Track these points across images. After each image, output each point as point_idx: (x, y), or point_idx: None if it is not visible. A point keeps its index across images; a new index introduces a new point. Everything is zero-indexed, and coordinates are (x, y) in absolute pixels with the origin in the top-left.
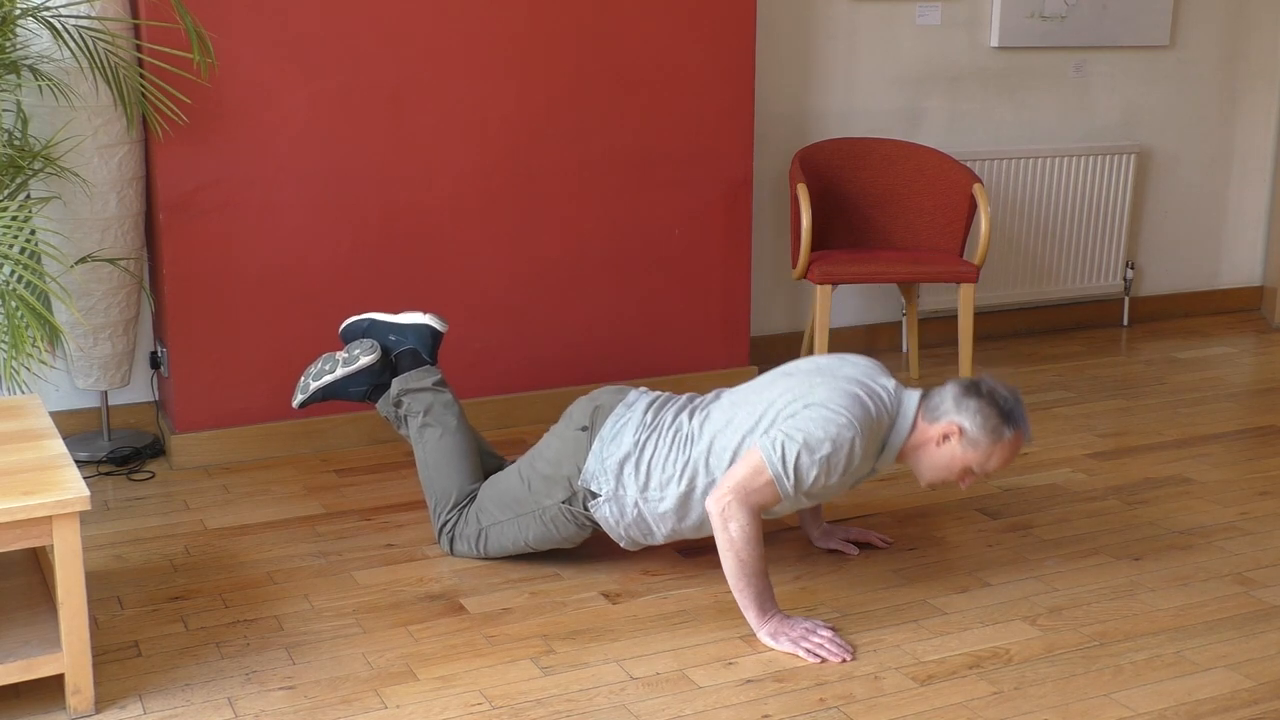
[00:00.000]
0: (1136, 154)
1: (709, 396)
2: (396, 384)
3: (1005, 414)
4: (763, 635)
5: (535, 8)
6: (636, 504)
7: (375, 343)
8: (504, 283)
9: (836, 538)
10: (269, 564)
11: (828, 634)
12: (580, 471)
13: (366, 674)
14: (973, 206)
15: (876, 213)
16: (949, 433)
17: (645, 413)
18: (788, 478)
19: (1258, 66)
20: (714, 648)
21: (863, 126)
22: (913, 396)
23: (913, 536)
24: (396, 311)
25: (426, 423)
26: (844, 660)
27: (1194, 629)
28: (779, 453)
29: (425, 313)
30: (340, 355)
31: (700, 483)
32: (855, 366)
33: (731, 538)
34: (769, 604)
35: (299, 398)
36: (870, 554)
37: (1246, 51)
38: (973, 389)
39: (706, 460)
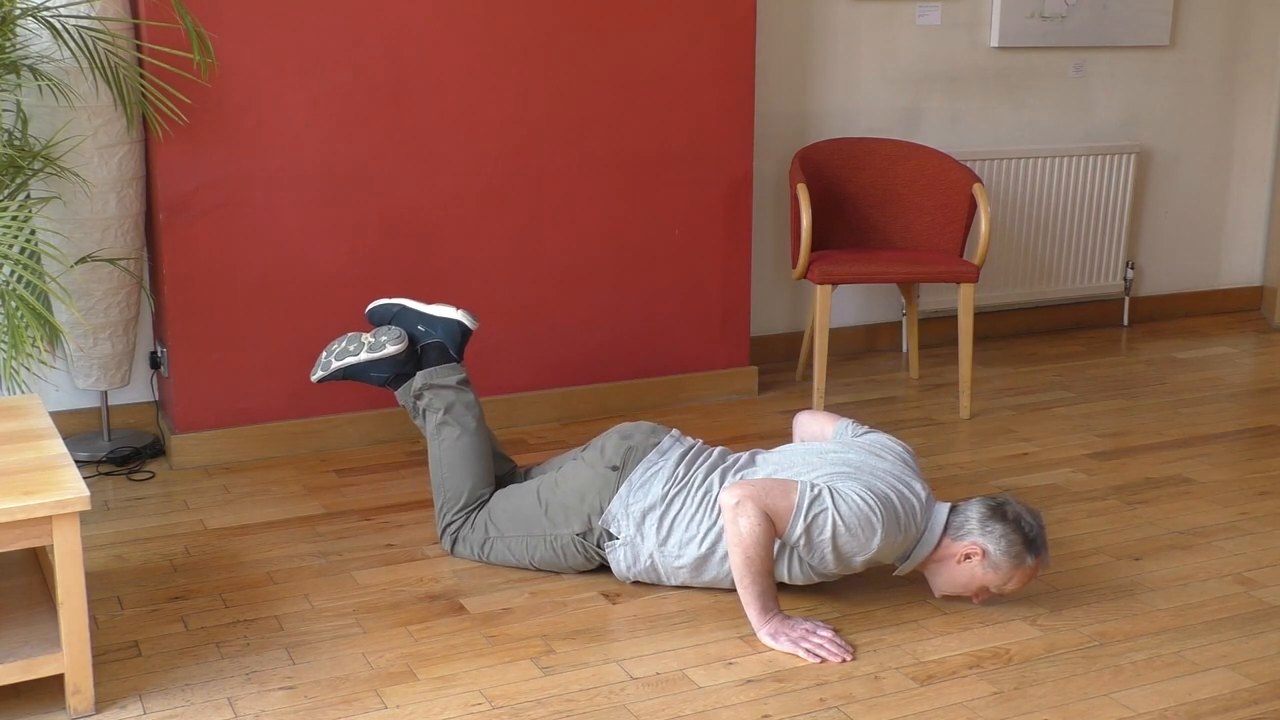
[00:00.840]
0: (1136, 154)
1: (743, 459)
2: (421, 377)
3: (1029, 541)
4: (763, 635)
5: (535, 8)
6: (651, 555)
7: (404, 332)
8: (504, 283)
9: None
10: (269, 564)
11: (828, 634)
12: (602, 511)
13: (366, 674)
14: (973, 206)
15: (876, 213)
16: (971, 553)
17: (677, 465)
18: (802, 522)
19: (1258, 66)
20: (714, 648)
21: (863, 126)
22: (941, 511)
23: None
24: (429, 301)
25: (445, 421)
26: (844, 660)
27: (1194, 629)
28: (811, 495)
29: (458, 308)
30: (367, 339)
31: (720, 549)
32: (890, 462)
33: (741, 533)
34: (771, 604)
35: (318, 374)
36: None
37: (1246, 51)
38: (998, 512)
39: None
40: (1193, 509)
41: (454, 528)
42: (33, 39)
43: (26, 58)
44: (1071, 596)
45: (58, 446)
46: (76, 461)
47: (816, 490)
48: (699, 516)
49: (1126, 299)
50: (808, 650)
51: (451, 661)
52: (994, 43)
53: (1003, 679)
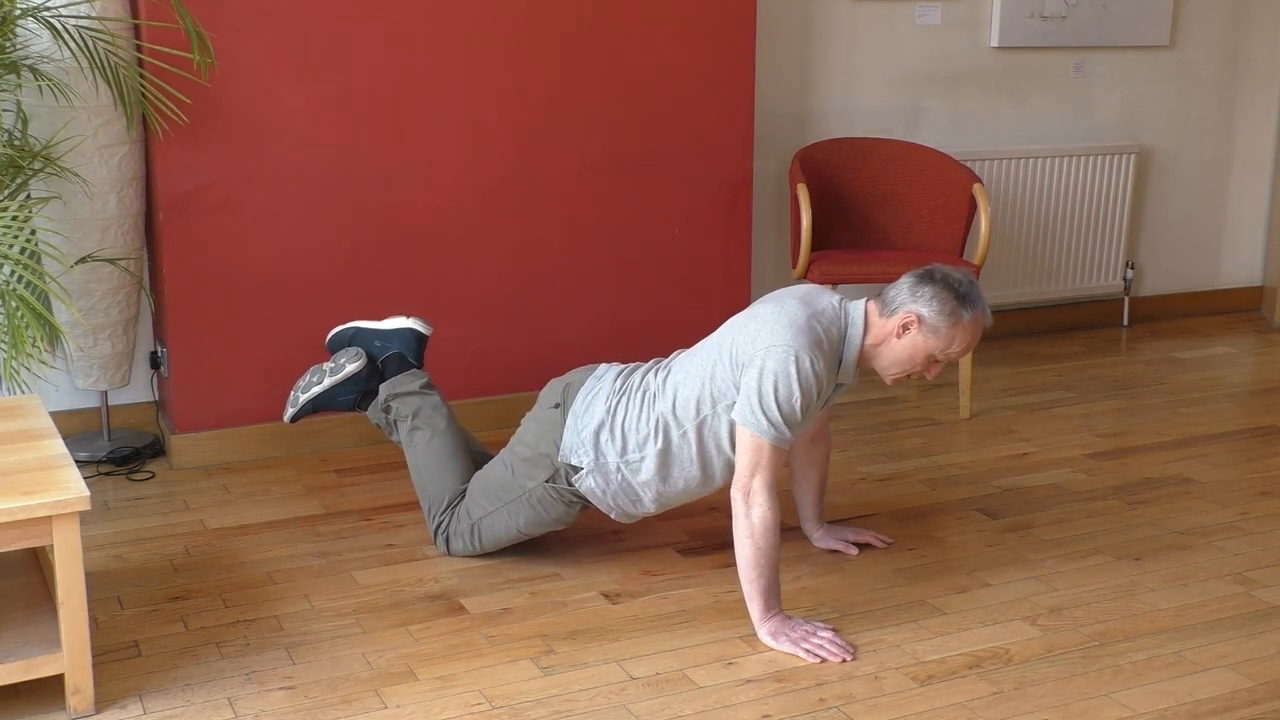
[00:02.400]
0: (1136, 154)
1: (671, 356)
2: (384, 389)
3: (961, 297)
4: (763, 634)
5: (535, 8)
6: (619, 469)
7: (361, 350)
8: (504, 282)
9: (836, 538)
10: (269, 564)
11: (828, 634)
12: (559, 448)
13: (366, 674)
14: (973, 206)
15: (876, 213)
16: (907, 323)
17: (614, 380)
18: (783, 431)
19: (1258, 66)
20: (714, 648)
21: (863, 126)
22: (858, 304)
23: (913, 536)
24: (381, 318)
25: (415, 426)
26: (844, 660)
27: (1194, 629)
28: (761, 420)
29: (409, 316)
30: (327, 366)
31: (674, 435)
32: (792, 295)
33: (753, 524)
34: (774, 601)
35: (289, 411)
36: (870, 554)
37: (1246, 51)
38: (926, 277)
39: (674, 412)
40: (1193, 509)
41: (444, 526)
42: (33, 39)
43: (26, 58)
44: (1071, 596)
45: (58, 446)
46: (76, 461)
47: (751, 410)
48: (644, 414)
49: (1126, 299)
50: (808, 650)
51: (451, 661)
52: (994, 43)
53: (1003, 679)
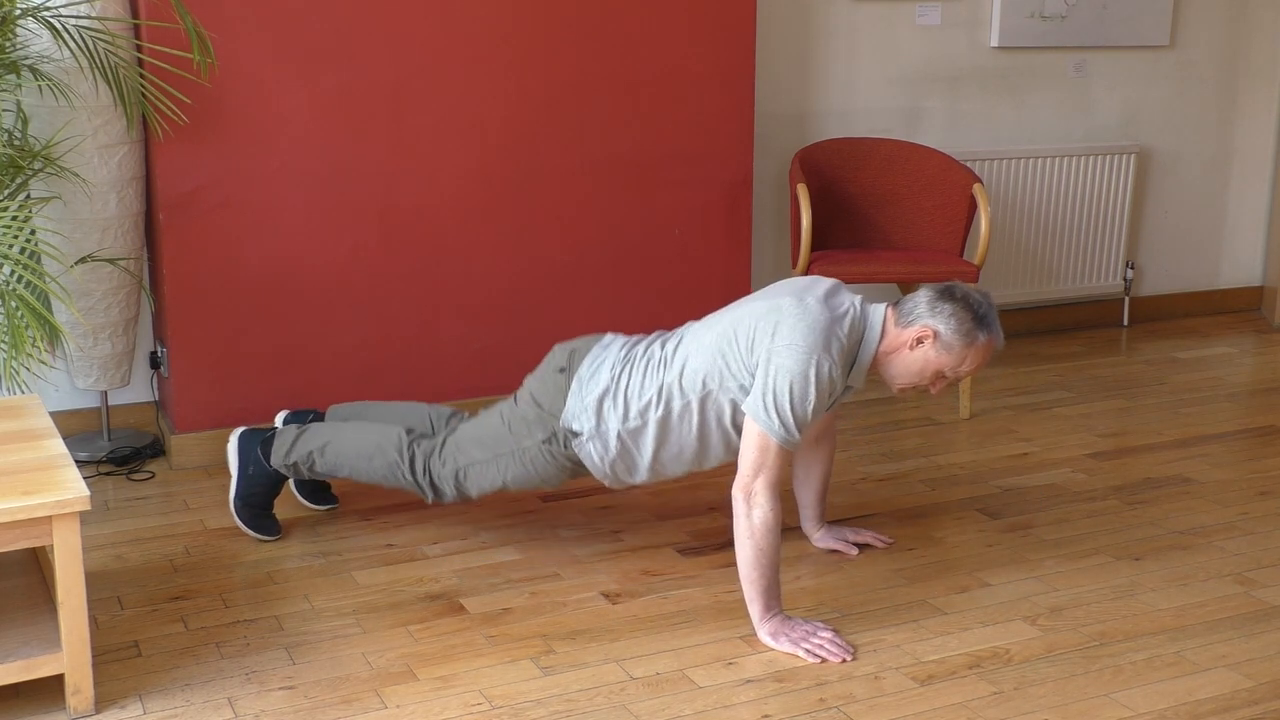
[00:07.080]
0: (1136, 154)
1: (681, 328)
2: (273, 461)
3: (979, 318)
4: (763, 634)
5: (535, 8)
6: (619, 435)
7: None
8: (504, 283)
9: (836, 538)
10: (269, 564)
11: (828, 634)
12: (561, 412)
13: (366, 674)
14: (973, 206)
15: (876, 213)
16: (922, 336)
17: (621, 350)
18: (793, 432)
19: (1258, 66)
20: (714, 648)
21: (863, 126)
22: (878, 309)
23: (913, 536)
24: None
25: (321, 448)
26: (844, 660)
27: (1194, 629)
28: (774, 419)
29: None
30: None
31: (676, 404)
32: (814, 293)
33: (754, 524)
34: (774, 601)
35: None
36: (870, 554)
37: (1246, 51)
38: (946, 293)
39: (680, 382)
40: (1193, 509)
41: (421, 470)
42: (33, 39)
43: (26, 58)
44: (1071, 596)
45: (58, 446)
46: (76, 461)
47: (765, 408)
48: (647, 380)
49: (1126, 299)
50: (808, 650)
51: (451, 661)
52: (994, 43)
53: (1003, 679)
